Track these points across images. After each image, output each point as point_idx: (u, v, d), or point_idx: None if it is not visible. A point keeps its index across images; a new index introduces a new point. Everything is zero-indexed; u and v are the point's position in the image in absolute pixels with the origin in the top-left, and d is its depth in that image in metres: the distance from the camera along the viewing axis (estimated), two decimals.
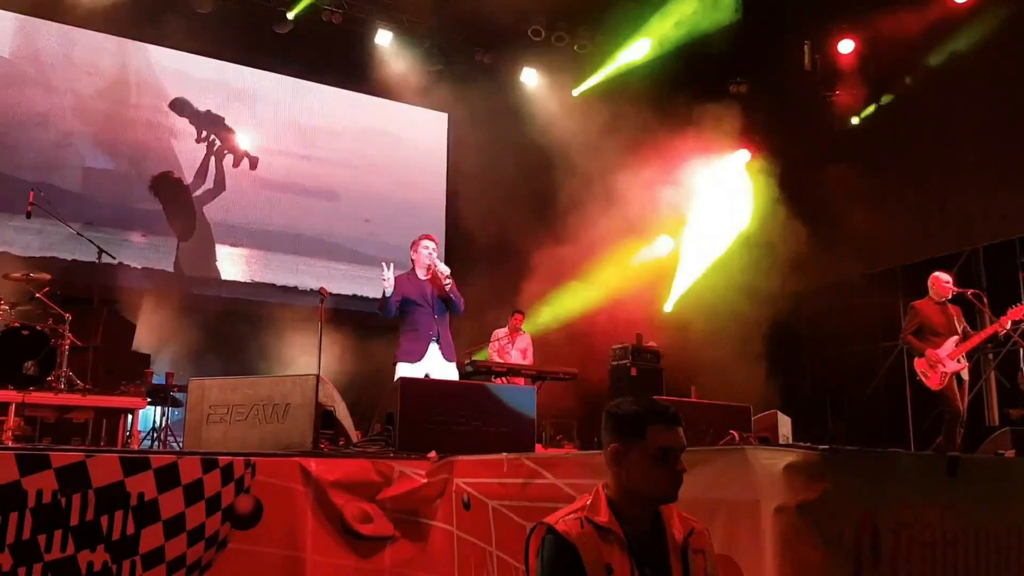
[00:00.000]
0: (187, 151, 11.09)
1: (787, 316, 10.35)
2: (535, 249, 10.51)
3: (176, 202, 10.94)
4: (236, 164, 11.37)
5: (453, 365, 6.18)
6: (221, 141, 11.31)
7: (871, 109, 10.83)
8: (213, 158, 11.25)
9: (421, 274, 6.21)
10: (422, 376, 5.88)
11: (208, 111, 11.26)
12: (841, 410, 10.97)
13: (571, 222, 10.70)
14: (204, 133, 11.23)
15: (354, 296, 11.67)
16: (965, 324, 7.19)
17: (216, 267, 11.20)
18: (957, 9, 9.56)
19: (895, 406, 10.09)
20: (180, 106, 11.09)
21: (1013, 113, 8.86)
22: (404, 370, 5.94)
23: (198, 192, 11.14)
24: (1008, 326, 6.97)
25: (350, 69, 11.73)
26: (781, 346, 10.37)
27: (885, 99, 10.63)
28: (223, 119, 11.37)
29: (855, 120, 10.99)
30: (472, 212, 11.28)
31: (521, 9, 11.11)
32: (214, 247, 11.19)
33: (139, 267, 10.49)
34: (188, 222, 11.05)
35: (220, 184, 11.31)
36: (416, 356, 6.00)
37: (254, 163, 11.44)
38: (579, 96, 11.98)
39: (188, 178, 11.06)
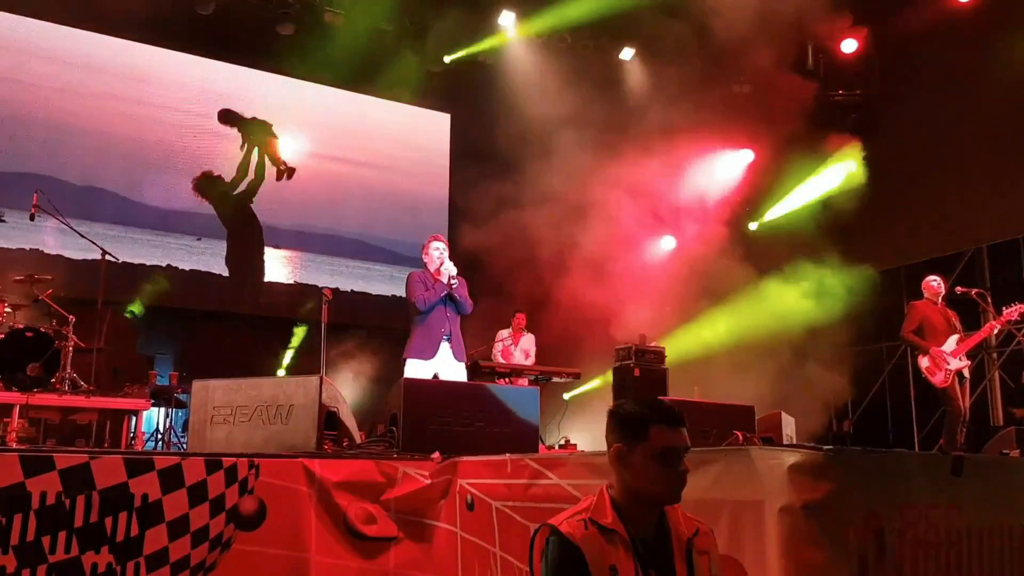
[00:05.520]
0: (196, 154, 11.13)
1: (792, 316, 10.32)
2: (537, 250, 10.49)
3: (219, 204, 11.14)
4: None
5: (463, 365, 6.19)
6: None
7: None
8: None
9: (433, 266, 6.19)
10: (432, 375, 5.90)
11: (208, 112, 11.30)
12: (845, 410, 10.95)
13: (573, 220, 10.68)
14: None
15: (358, 293, 11.69)
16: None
17: (263, 266, 11.36)
18: (960, 8, 9.55)
19: (899, 406, 10.08)
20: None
21: (1016, 112, 8.83)
22: (414, 367, 5.94)
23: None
24: (996, 330, 7.04)
25: (349, 69, 11.71)
26: (786, 347, 10.34)
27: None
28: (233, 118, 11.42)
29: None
30: (473, 212, 11.27)
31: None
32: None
33: (187, 269, 10.71)
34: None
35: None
36: (428, 354, 6.00)
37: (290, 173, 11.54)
38: (586, 90, 11.83)
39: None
